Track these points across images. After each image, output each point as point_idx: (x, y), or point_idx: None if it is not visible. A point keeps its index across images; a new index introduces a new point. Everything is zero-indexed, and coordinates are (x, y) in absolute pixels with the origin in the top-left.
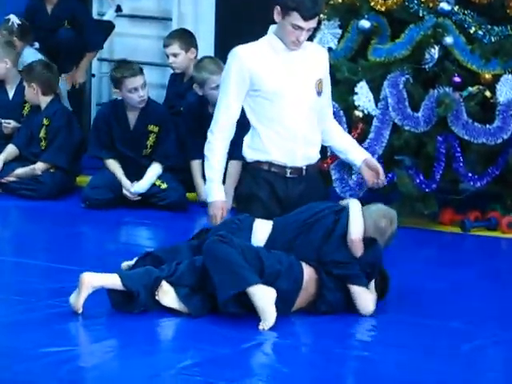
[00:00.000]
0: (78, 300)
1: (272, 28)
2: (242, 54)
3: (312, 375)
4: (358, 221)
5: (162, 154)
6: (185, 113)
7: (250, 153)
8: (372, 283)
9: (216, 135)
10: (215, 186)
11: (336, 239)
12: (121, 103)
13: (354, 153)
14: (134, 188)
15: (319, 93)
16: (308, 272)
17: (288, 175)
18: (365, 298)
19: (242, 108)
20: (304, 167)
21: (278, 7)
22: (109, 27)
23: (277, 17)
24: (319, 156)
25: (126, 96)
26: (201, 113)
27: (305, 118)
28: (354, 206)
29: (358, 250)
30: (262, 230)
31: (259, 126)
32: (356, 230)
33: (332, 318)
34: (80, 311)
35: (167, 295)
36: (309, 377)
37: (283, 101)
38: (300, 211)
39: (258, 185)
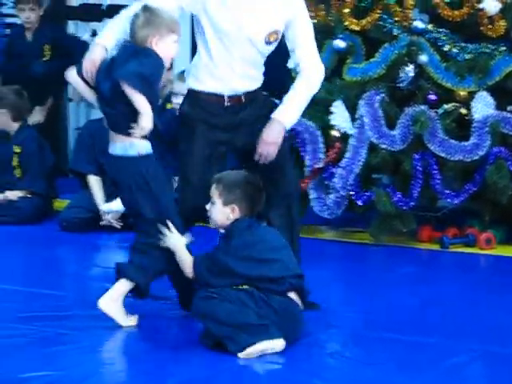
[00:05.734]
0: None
1: None
2: None
3: None
4: None
5: None
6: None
7: (191, 81)
8: None
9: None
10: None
11: None
12: None
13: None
14: (104, 207)
15: (269, 43)
16: None
17: (226, 104)
18: None
19: None
20: (242, 95)
21: None
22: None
23: None
24: (261, 83)
25: None
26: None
27: (247, 62)
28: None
29: None
30: None
31: (204, 59)
32: None
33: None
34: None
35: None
36: None
37: (228, 41)
38: None
39: (196, 112)
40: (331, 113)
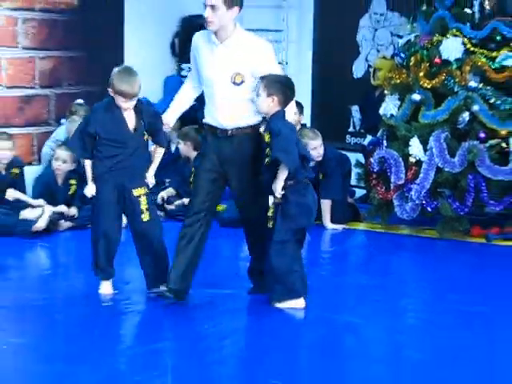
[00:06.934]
0: None
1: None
2: (193, 39)
3: None
4: None
5: None
6: None
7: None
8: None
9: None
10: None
11: None
12: None
13: None
14: None
15: (236, 83)
16: None
17: (218, 134)
18: None
19: None
20: (230, 130)
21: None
22: None
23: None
24: (253, 123)
25: None
26: None
27: (226, 100)
28: None
29: None
30: None
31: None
32: None
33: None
34: None
35: None
36: None
37: (210, 86)
38: None
39: (204, 141)
40: (410, 145)
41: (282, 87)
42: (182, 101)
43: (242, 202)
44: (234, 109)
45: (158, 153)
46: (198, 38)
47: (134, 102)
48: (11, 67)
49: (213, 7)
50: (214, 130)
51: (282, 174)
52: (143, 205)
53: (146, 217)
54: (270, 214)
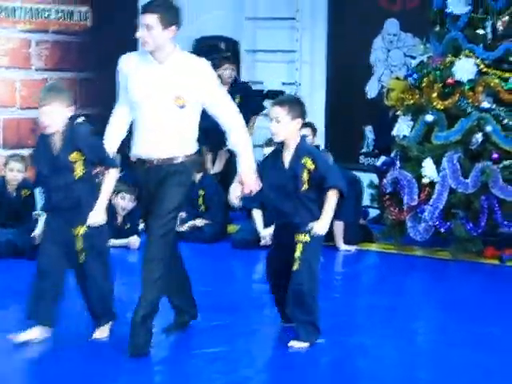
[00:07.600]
0: None
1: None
2: (120, 63)
3: None
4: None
5: None
6: None
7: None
8: None
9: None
10: None
11: None
12: None
13: (240, 161)
14: (263, 232)
15: (181, 106)
16: None
17: (146, 165)
18: None
19: None
20: (156, 159)
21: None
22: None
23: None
24: (184, 154)
25: None
26: None
27: (162, 125)
28: None
29: None
30: None
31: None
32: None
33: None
34: None
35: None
36: None
37: (143, 110)
38: None
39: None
40: (423, 166)
41: (302, 109)
42: (120, 128)
43: (151, 238)
44: (169, 135)
45: (108, 177)
46: (130, 59)
47: (47, 118)
48: (25, 89)
49: (148, 26)
50: (142, 162)
51: (333, 204)
52: (79, 245)
53: (82, 258)
54: (297, 254)
